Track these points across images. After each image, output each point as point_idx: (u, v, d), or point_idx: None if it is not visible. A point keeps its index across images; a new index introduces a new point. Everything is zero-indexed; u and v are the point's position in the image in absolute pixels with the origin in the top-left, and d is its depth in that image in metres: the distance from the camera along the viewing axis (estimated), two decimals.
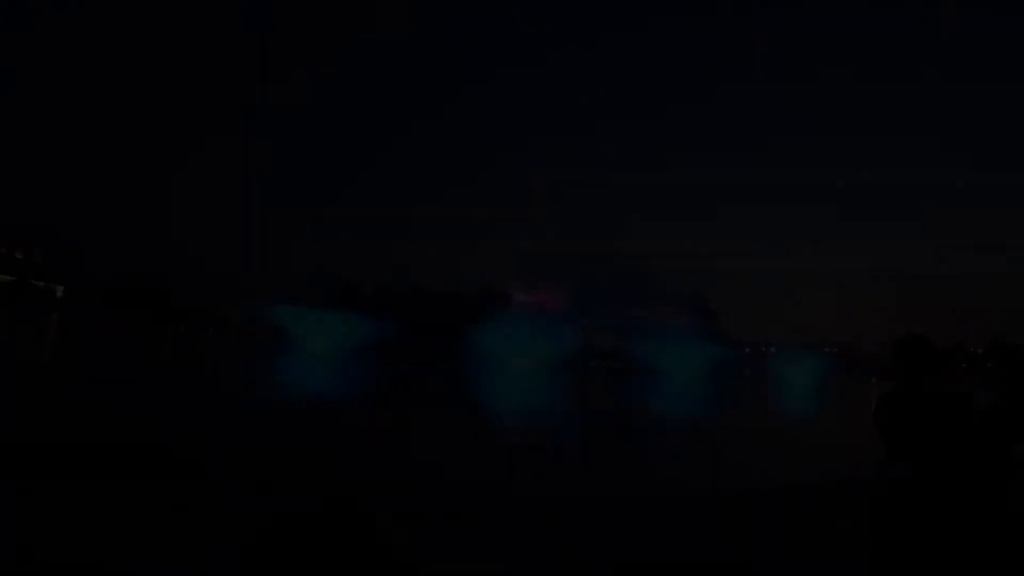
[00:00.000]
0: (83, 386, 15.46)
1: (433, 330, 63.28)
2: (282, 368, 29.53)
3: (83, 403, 12.38)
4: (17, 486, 4.63)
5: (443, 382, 27.78)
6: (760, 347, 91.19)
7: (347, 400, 18.35)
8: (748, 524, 5.32)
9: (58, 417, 10.36)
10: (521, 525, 4.82)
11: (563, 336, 67.60)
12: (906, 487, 2.16)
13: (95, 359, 25.29)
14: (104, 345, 34.88)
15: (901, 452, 2.22)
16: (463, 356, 57.09)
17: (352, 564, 0.56)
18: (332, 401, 17.60)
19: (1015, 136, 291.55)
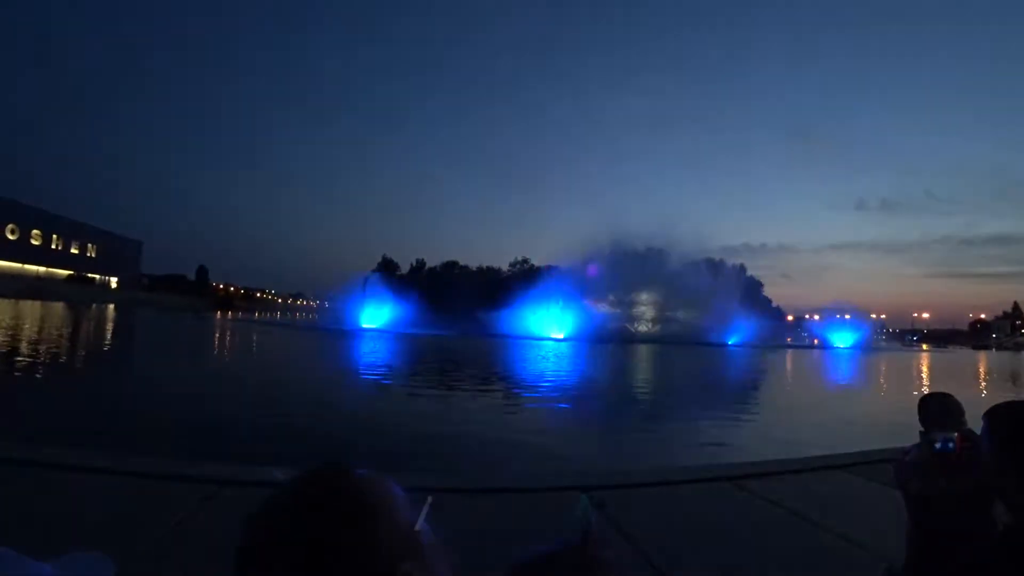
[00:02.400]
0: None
1: (470, 304, 63.74)
2: (319, 346, 30.35)
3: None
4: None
5: (478, 354, 28.03)
6: (805, 315, 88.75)
7: (386, 377, 18.67)
8: (784, 497, 5.16)
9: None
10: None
11: (605, 308, 67.25)
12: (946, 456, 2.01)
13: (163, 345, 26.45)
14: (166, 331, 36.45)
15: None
16: (500, 329, 57.48)
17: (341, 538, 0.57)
18: (370, 378, 17.95)
19: None
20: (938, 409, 2.36)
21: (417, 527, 0.63)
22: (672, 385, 21.90)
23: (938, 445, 2.09)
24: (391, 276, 72.88)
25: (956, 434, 2.09)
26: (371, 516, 0.60)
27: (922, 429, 2.31)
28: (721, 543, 4.15)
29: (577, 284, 66.18)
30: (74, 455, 5.19)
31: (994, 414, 1.79)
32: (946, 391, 2.50)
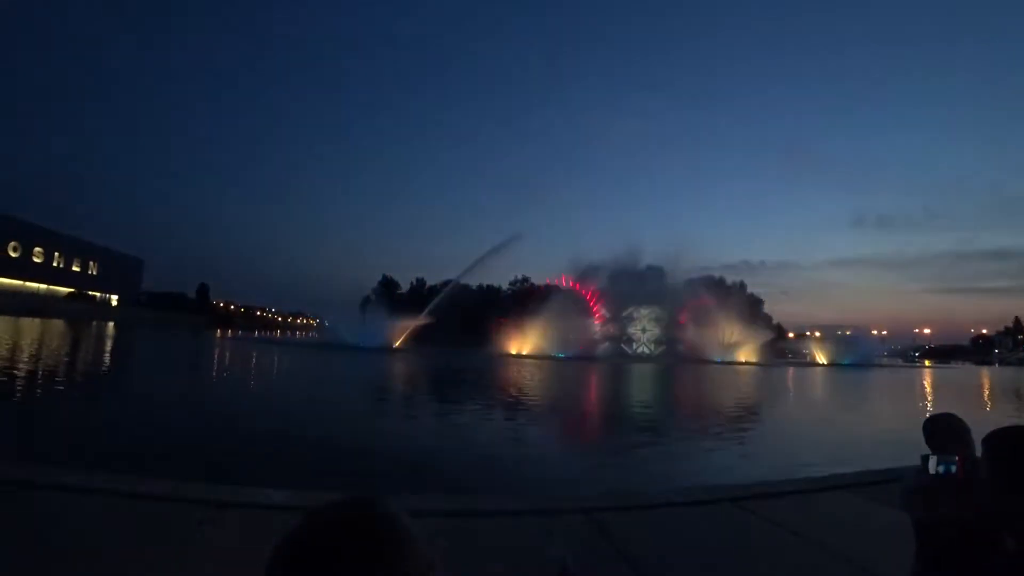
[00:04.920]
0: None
1: (469, 321, 63.71)
2: (318, 365, 30.23)
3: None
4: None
5: (480, 373, 27.88)
6: (805, 331, 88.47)
7: (389, 395, 18.58)
8: (780, 518, 5.10)
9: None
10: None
11: (605, 326, 67.14)
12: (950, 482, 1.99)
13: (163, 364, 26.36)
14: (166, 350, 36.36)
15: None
16: (500, 347, 57.41)
17: (375, 565, 0.59)
18: (373, 397, 17.86)
19: None
20: (943, 431, 2.33)
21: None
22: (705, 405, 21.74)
23: (940, 469, 2.05)
24: (391, 295, 72.93)
25: (957, 458, 2.05)
26: (401, 549, 0.62)
27: (926, 452, 2.27)
28: (723, 565, 4.10)
29: (577, 303, 66.18)
30: (66, 476, 5.13)
31: (994, 439, 1.76)
32: (951, 411, 2.46)
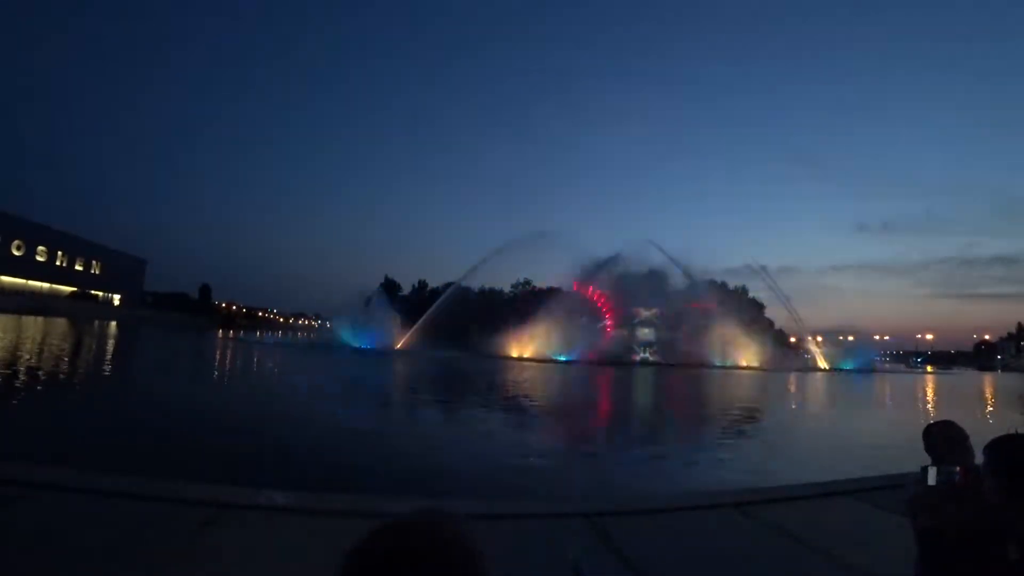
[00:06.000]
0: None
1: (472, 324, 63.61)
2: (322, 366, 30.23)
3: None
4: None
5: (482, 376, 27.85)
6: (807, 336, 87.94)
7: (394, 396, 18.57)
8: (783, 524, 5.09)
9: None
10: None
11: (607, 330, 66.87)
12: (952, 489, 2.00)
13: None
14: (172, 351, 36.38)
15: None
16: (501, 350, 57.37)
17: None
18: (380, 397, 17.86)
19: None
20: (942, 439, 2.33)
21: None
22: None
23: (941, 479, 2.06)
24: (393, 296, 72.82)
25: (959, 468, 2.05)
26: (480, 568, 0.60)
27: (928, 463, 2.27)
28: (726, 571, 4.09)
29: (579, 306, 65.92)
30: (65, 475, 5.12)
31: (995, 447, 1.77)
32: (950, 419, 2.47)
